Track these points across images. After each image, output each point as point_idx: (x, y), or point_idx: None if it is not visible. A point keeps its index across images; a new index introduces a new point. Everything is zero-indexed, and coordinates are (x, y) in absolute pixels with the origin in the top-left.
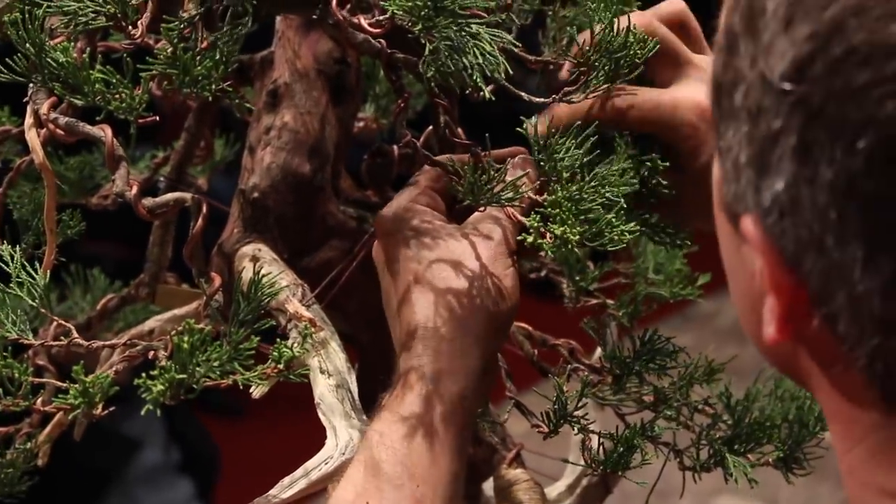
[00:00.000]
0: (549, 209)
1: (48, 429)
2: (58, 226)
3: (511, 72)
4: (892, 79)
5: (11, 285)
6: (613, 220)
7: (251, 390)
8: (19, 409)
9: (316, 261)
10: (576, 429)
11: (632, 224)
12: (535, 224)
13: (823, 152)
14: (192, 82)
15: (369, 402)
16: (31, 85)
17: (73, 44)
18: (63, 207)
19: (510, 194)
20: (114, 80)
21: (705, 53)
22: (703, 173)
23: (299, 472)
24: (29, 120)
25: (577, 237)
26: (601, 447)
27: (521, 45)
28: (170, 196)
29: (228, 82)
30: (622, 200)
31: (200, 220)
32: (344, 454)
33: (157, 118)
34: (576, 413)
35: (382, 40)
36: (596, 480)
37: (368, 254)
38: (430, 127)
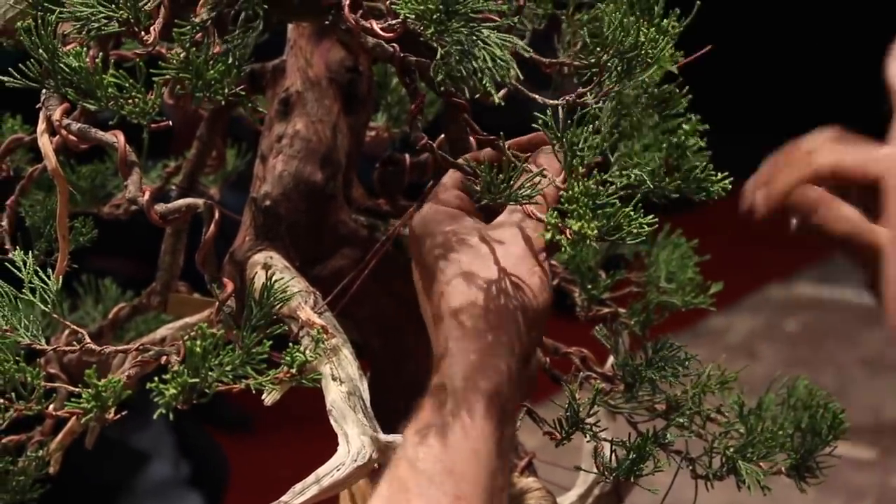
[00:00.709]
0: (566, 205)
1: (60, 436)
2: (70, 233)
3: (521, 76)
4: None
5: (24, 291)
6: (632, 212)
7: (263, 397)
8: (32, 413)
9: (328, 269)
10: (588, 436)
11: (650, 217)
12: (553, 220)
13: None
14: (204, 86)
15: (381, 409)
16: (43, 91)
17: (85, 49)
18: (75, 216)
19: (528, 192)
20: (126, 85)
21: None
22: None
23: (311, 478)
24: (41, 126)
25: (595, 231)
26: (613, 455)
27: (533, 49)
28: (182, 202)
29: (241, 86)
30: (648, 182)
31: (213, 226)
32: (356, 461)
33: (170, 123)
34: (588, 420)
35: (395, 45)
36: (608, 490)
37: (380, 262)
38: (443, 135)
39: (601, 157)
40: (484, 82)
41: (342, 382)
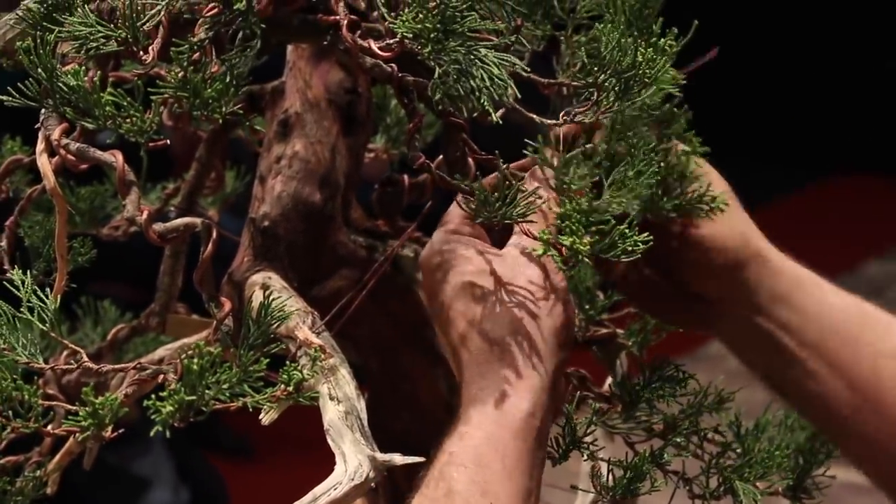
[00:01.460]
0: (560, 221)
1: (58, 457)
2: (69, 253)
3: (519, 95)
4: None
5: (22, 310)
6: (626, 230)
7: (260, 416)
8: (29, 431)
9: (326, 290)
10: (585, 455)
11: (644, 234)
12: (546, 237)
13: None
14: (202, 105)
15: (379, 430)
16: (42, 111)
17: (84, 68)
18: (74, 237)
19: (522, 210)
20: (125, 103)
21: None
22: None
23: (308, 497)
24: (40, 146)
25: (588, 248)
26: (610, 474)
27: (532, 70)
28: (180, 221)
29: (239, 105)
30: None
31: (211, 245)
32: (353, 480)
33: (168, 142)
34: (585, 440)
35: (393, 65)
36: None
37: (378, 283)
38: (441, 156)
39: (595, 179)
40: (482, 101)
41: (339, 402)
